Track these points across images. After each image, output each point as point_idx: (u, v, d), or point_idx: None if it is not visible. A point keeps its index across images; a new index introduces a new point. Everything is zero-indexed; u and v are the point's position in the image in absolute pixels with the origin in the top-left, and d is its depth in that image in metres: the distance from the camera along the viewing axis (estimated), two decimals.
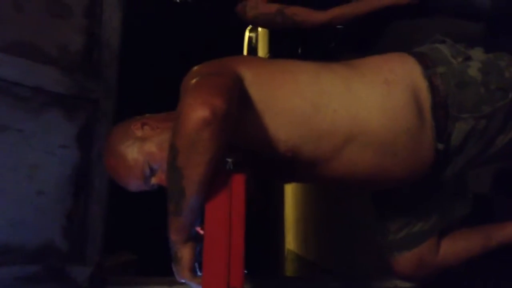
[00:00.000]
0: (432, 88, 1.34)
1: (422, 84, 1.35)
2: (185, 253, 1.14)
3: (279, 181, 1.51)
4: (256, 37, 3.79)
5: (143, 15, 1.79)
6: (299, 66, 1.31)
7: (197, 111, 0.99)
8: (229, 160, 1.18)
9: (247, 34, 3.87)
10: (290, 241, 5.62)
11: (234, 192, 1.11)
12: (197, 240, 1.15)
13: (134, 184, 1.30)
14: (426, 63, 1.37)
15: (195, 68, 1.26)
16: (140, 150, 1.26)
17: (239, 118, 1.13)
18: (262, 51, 3.78)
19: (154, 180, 1.29)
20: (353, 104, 1.28)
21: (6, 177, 1.64)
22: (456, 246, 1.57)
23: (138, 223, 4.30)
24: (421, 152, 1.34)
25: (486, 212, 1.88)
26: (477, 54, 1.40)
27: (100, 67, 1.96)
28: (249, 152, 1.24)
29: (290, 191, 5.66)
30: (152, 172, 1.28)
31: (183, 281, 1.18)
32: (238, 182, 1.12)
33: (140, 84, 2.90)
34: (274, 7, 1.82)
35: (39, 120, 1.74)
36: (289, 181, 1.59)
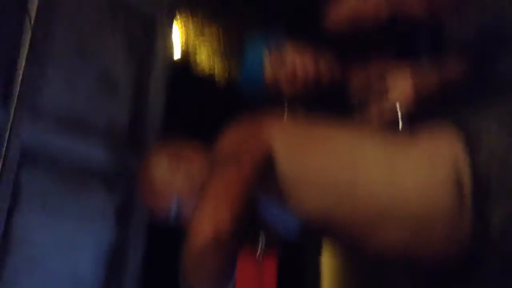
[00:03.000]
0: (474, 171, 1.30)
1: (465, 167, 1.31)
2: None
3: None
4: None
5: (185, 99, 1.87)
6: (339, 135, 1.30)
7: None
8: (261, 233, 1.16)
9: None
10: None
11: (265, 279, 1.09)
12: None
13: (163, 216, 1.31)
14: (471, 144, 1.33)
15: (226, 137, 1.26)
16: (171, 185, 1.28)
17: (267, 187, 1.15)
18: None
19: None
20: (394, 181, 1.25)
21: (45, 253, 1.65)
22: None
23: None
24: (459, 235, 1.29)
25: None
26: None
27: (143, 141, 2.00)
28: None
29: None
30: (180, 206, 1.28)
31: None
32: (270, 268, 1.10)
33: None
34: None
35: (80, 196, 1.76)
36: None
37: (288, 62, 1.42)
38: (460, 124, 1.45)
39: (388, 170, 1.25)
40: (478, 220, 1.27)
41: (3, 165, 1.58)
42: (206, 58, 3.26)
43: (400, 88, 1.47)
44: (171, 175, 1.29)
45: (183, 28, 3.09)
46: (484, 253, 1.33)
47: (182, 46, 3.10)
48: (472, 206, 1.26)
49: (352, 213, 1.22)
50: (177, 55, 2.73)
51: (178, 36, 3.14)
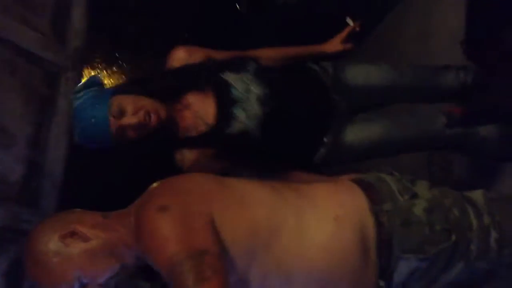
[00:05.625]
0: (378, 226, 1.34)
1: (369, 221, 1.36)
2: None
3: None
4: None
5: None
6: (256, 197, 1.30)
7: None
8: None
9: None
10: None
11: None
12: None
13: None
14: (374, 197, 1.38)
15: (159, 219, 1.13)
16: (68, 264, 1.15)
17: None
18: None
19: None
20: (302, 243, 1.27)
21: None
22: None
23: None
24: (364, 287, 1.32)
25: None
26: (423, 190, 1.42)
27: (39, 197, 1.91)
28: None
29: None
30: (82, 285, 1.17)
31: None
32: None
33: None
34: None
35: None
36: None
37: (130, 102, 1.60)
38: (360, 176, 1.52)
39: (297, 233, 1.27)
40: (383, 275, 1.32)
41: None
42: None
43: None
44: (65, 249, 1.17)
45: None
46: None
47: None
48: (377, 261, 1.31)
49: (262, 277, 1.21)
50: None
51: None
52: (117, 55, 3.27)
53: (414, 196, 1.39)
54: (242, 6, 2.73)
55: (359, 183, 1.43)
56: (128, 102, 1.60)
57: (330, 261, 1.26)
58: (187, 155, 1.69)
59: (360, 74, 1.93)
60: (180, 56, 1.77)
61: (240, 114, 1.68)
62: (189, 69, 1.73)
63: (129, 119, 1.59)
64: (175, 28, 3.23)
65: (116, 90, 1.68)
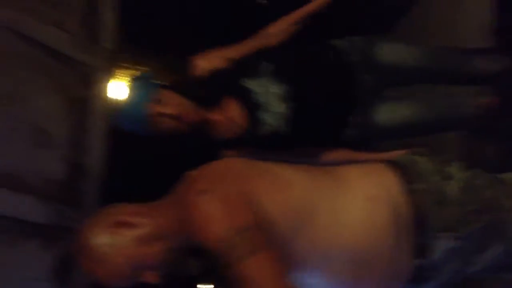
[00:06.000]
0: (412, 205, 1.33)
1: (403, 201, 1.34)
2: None
3: None
4: None
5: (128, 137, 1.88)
6: (291, 178, 1.30)
7: None
8: None
9: None
10: None
11: None
12: None
13: (116, 285, 1.21)
14: (407, 178, 1.37)
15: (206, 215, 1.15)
16: (120, 253, 1.18)
17: None
18: None
19: (140, 279, 1.21)
20: (337, 223, 1.26)
21: None
22: None
23: None
24: (399, 267, 1.31)
25: None
26: (456, 171, 1.41)
27: (82, 195, 1.95)
28: None
29: None
30: (136, 272, 1.20)
31: None
32: None
33: None
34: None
35: (15, 251, 1.68)
36: None
37: (167, 103, 1.66)
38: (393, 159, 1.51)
39: (332, 214, 1.27)
40: (418, 254, 1.31)
41: None
42: None
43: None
44: (116, 239, 1.19)
45: (123, 80, 3.14)
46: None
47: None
48: (412, 240, 1.29)
49: (301, 260, 1.22)
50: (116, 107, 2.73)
51: (120, 89, 3.16)
52: (143, 53, 3.33)
53: (447, 176, 1.38)
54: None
55: (392, 164, 1.42)
56: (171, 97, 1.68)
57: (365, 241, 1.26)
58: (225, 154, 1.73)
59: (393, 53, 1.90)
60: (200, 66, 1.83)
61: (266, 118, 1.73)
62: (212, 80, 1.79)
63: (166, 108, 1.65)
64: (198, 24, 3.26)
65: (163, 85, 1.75)
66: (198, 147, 1.83)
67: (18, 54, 1.95)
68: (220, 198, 1.16)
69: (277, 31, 1.91)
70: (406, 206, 1.31)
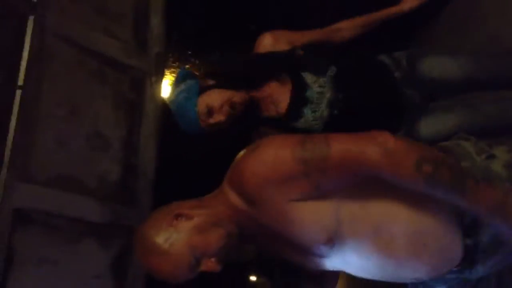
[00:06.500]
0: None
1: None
2: None
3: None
4: None
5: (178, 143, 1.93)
6: None
7: None
8: None
9: None
10: None
11: None
12: None
13: (181, 277, 1.27)
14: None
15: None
16: (182, 243, 1.23)
17: None
18: None
19: (201, 268, 1.26)
20: (391, 197, 1.27)
21: None
22: None
23: None
24: (450, 245, 1.30)
25: None
26: (501, 152, 1.39)
27: (136, 194, 2.03)
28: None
29: None
30: (198, 261, 1.25)
31: None
32: None
33: None
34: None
35: (75, 250, 1.78)
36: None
37: (215, 99, 1.69)
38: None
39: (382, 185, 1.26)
40: (468, 233, 1.29)
41: None
42: None
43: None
44: (175, 232, 1.24)
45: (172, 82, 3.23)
46: (475, 268, 1.33)
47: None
48: (461, 219, 1.28)
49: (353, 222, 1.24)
50: (167, 110, 2.81)
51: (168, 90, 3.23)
52: (189, 52, 3.40)
53: (491, 156, 1.35)
54: None
55: (439, 148, 1.41)
56: (213, 100, 1.69)
57: (418, 219, 1.26)
58: (261, 130, 1.80)
59: (436, 67, 1.87)
60: (266, 42, 1.84)
61: (308, 114, 1.75)
62: (273, 59, 1.81)
63: (216, 118, 1.69)
64: (240, 20, 3.30)
65: (202, 89, 1.75)
66: (246, 128, 1.84)
67: (74, 62, 2.06)
68: (266, 146, 1.22)
69: (346, 28, 1.94)
70: None
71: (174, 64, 3.26)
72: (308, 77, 1.75)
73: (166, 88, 2.81)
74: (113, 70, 2.21)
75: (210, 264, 1.23)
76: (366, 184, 1.25)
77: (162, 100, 2.60)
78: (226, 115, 1.69)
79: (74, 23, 2.07)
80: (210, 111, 1.68)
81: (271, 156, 1.19)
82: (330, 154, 1.17)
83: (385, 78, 1.85)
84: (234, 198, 1.26)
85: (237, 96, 1.71)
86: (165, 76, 2.91)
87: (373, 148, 1.16)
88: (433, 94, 1.92)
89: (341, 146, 1.17)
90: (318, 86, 1.76)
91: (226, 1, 3.25)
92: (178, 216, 1.26)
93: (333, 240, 1.24)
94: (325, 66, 1.79)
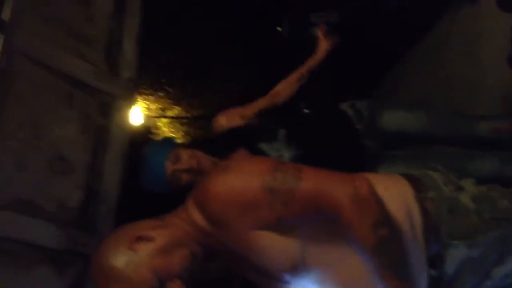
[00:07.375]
0: (424, 212, 1.32)
1: (415, 208, 1.33)
2: None
3: None
4: None
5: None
6: None
7: None
8: None
9: None
10: None
11: None
12: None
13: None
14: (418, 187, 1.37)
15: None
16: (145, 267, 1.16)
17: None
18: None
19: None
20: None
21: None
22: None
23: None
24: (415, 277, 1.29)
25: None
26: (469, 185, 1.41)
27: (96, 221, 1.98)
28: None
29: None
30: (162, 284, 1.18)
31: None
32: None
33: None
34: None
35: (28, 277, 1.72)
36: None
37: (183, 159, 1.87)
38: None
39: None
40: (432, 263, 1.29)
41: None
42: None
43: None
44: (136, 255, 1.17)
45: (144, 108, 3.21)
46: None
47: (141, 127, 3.18)
48: (425, 248, 1.28)
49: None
50: (135, 135, 2.79)
51: (138, 116, 3.22)
52: (163, 80, 3.40)
53: (460, 188, 1.36)
54: (283, 29, 2.81)
55: (404, 176, 1.42)
56: (184, 152, 1.88)
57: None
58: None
59: (396, 121, 2.03)
60: (221, 123, 2.04)
61: None
62: (229, 138, 1.97)
63: (182, 165, 1.85)
64: (217, 52, 3.33)
65: (179, 145, 1.97)
66: None
67: (42, 83, 2.02)
68: (237, 168, 1.23)
69: (283, 88, 2.11)
70: (419, 213, 1.30)
71: (146, 91, 3.25)
72: (264, 146, 1.89)
73: (135, 114, 2.80)
74: (82, 93, 2.18)
75: (175, 287, 1.17)
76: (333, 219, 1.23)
77: (130, 126, 2.59)
78: (191, 165, 1.85)
79: (44, 44, 2.04)
80: (177, 158, 1.85)
81: (240, 181, 1.17)
82: (298, 187, 1.15)
83: (346, 126, 1.97)
84: (197, 217, 1.22)
85: (205, 158, 1.90)
86: (136, 102, 2.89)
87: (346, 189, 1.15)
88: (391, 145, 2.05)
89: (311, 181, 1.16)
90: (275, 150, 1.89)
91: (206, 32, 3.29)
92: (138, 239, 1.19)
93: (298, 268, 1.22)
94: (274, 131, 1.93)
